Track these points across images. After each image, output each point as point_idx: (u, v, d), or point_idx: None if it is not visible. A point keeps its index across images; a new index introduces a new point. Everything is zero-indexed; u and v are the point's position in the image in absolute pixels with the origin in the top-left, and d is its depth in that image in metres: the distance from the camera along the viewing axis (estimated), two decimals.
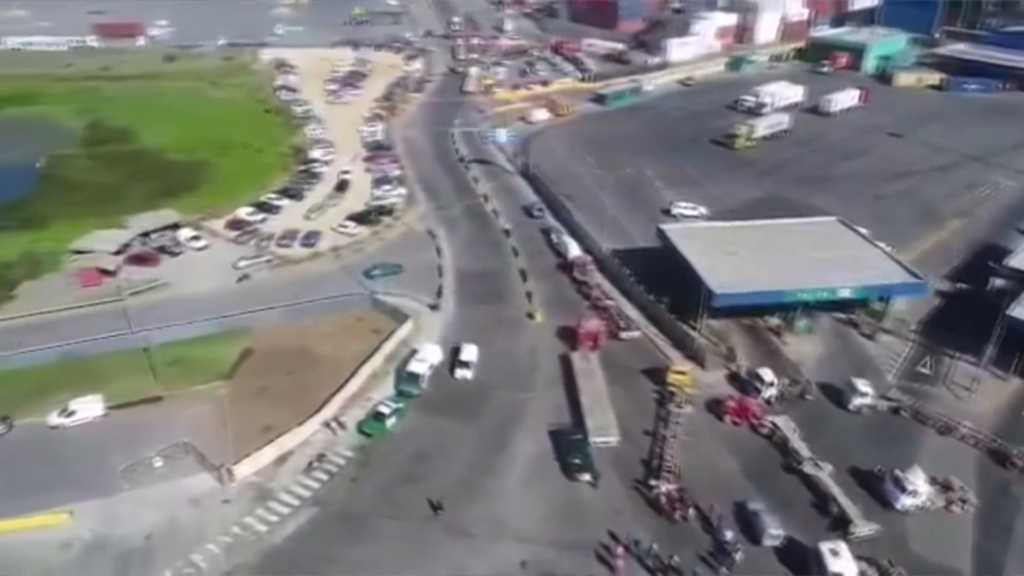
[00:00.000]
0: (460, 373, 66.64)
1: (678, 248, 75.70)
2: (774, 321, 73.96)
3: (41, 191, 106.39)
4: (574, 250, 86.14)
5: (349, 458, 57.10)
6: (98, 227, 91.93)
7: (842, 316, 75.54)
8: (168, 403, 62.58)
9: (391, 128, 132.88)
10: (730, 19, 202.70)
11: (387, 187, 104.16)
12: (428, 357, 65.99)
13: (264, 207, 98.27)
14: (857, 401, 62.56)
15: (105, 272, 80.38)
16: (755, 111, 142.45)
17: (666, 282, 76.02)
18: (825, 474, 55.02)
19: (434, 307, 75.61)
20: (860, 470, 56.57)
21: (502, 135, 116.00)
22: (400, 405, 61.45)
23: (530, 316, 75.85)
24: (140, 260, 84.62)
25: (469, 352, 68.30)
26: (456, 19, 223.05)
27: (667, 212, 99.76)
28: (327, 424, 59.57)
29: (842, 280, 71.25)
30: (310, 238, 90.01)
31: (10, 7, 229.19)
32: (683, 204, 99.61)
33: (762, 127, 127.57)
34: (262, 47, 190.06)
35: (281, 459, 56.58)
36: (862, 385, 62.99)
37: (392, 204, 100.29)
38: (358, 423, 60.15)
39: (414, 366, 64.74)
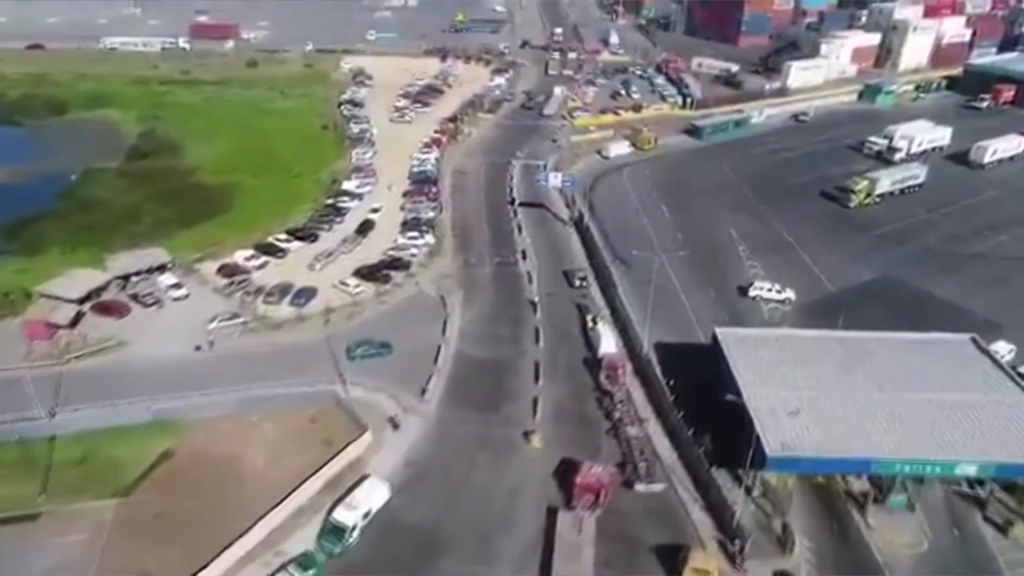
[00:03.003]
0: None
1: (733, 370, 55.99)
2: (859, 485, 53.05)
3: (57, 210, 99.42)
4: (607, 344, 67.80)
5: None
6: (89, 261, 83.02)
7: (965, 488, 53.48)
8: (44, 524, 50.57)
9: (446, 156, 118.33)
10: (870, 39, 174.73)
11: (413, 234, 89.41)
12: (363, 501, 50.24)
13: (268, 250, 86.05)
14: None
15: (56, 326, 69.95)
16: (885, 156, 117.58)
17: (715, 406, 56.40)
18: None
19: (395, 425, 59.47)
20: None
21: (555, 177, 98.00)
22: (310, 573, 46.01)
23: (527, 437, 58.53)
24: (106, 311, 73.96)
25: None
26: (558, 30, 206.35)
27: (744, 292, 79.25)
28: None
29: (966, 447, 49.35)
30: (302, 296, 76.59)
31: (128, 5, 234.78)
32: (765, 285, 78.73)
33: (887, 181, 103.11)
34: (348, 54, 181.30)
35: None
36: None
37: (411, 257, 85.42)
38: None
39: (341, 514, 49.17)
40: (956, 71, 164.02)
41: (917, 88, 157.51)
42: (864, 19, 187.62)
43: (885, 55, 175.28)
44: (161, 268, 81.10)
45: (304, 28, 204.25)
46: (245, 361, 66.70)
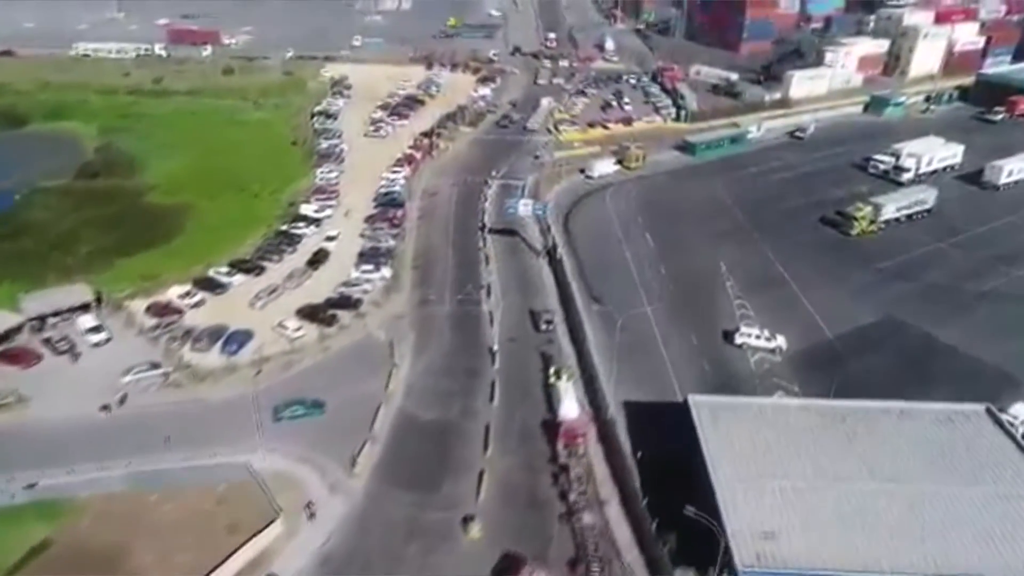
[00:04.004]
0: None
1: (704, 453, 47.73)
2: None
3: None
4: (568, 405, 59.30)
5: None
6: (6, 299, 75.46)
7: None
8: None
9: (419, 175, 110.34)
10: (878, 46, 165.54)
11: (368, 267, 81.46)
12: None
13: (207, 285, 78.35)
14: None
15: None
16: (891, 176, 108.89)
17: (688, 490, 48.23)
18: None
19: (311, 515, 51.35)
20: None
21: (525, 205, 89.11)
22: None
23: (465, 525, 50.38)
24: (13, 359, 66.32)
25: None
26: (551, 35, 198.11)
27: (730, 338, 70.85)
28: None
29: (980, 560, 40.90)
30: (233, 342, 68.71)
31: (111, 9, 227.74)
32: (752, 331, 70.18)
33: (892, 207, 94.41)
34: (330, 61, 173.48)
35: None
36: None
37: (363, 293, 77.48)
38: None
39: None
40: (969, 80, 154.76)
41: (927, 99, 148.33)
42: (872, 24, 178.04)
43: (893, 63, 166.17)
44: (85, 307, 73.33)
45: (290, 33, 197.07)
46: (156, 423, 58.86)
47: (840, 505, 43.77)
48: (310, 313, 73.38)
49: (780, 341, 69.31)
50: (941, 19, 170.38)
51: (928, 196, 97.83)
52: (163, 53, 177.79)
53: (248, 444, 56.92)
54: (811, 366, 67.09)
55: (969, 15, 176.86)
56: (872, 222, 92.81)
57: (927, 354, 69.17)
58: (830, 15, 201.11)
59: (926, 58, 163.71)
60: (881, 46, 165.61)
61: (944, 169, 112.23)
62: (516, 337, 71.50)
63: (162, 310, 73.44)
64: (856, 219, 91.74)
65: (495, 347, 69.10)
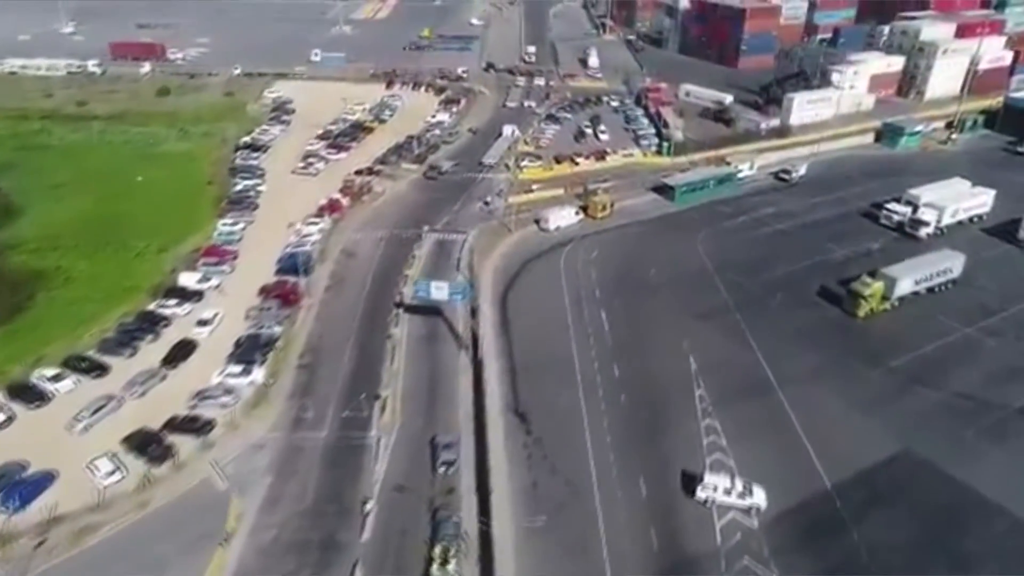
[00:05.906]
0: None
1: None
2: None
3: None
4: None
5: None
6: None
7: None
8: None
9: (340, 227, 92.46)
10: (892, 63, 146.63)
11: (235, 369, 63.57)
12: None
13: (23, 394, 60.76)
14: None
15: None
16: (908, 229, 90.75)
17: None
18: None
19: None
20: None
21: (439, 288, 68.23)
22: None
23: None
24: None
25: None
26: (531, 49, 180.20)
27: (691, 486, 52.54)
28: None
29: None
30: (15, 494, 50.93)
31: (57, 20, 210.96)
32: (721, 483, 51.70)
33: (908, 281, 75.67)
34: (281, 78, 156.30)
35: None
36: None
37: (222, 408, 59.64)
38: None
39: None
40: (995, 101, 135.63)
41: (948, 126, 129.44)
42: (884, 39, 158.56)
43: (909, 82, 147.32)
44: None
45: (248, 46, 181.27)
46: None
47: None
48: (140, 443, 55.56)
49: (758, 497, 51.05)
50: (963, 33, 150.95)
51: (954, 264, 79.08)
52: (96, 70, 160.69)
53: None
54: (799, 539, 49.14)
55: (994, 28, 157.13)
56: (884, 298, 74.33)
57: (959, 515, 50.95)
58: (838, 26, 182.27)
59: (945, 77, 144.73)
60: (895, 63, 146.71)
61: (971, 220, 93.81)
62: (404, 484, 53.39)
63: None
64: (864, 298, 73.16)
65: (370, 503, 51.03)
